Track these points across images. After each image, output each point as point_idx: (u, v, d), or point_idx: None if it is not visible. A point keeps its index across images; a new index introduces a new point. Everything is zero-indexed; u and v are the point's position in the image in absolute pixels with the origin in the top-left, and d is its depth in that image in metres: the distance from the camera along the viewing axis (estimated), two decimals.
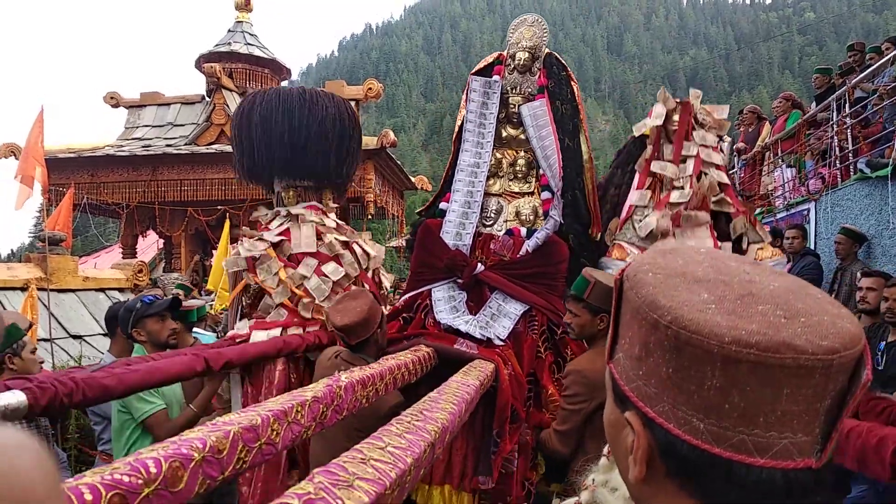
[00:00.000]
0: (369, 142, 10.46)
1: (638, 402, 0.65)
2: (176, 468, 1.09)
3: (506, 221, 3.49)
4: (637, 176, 3.54)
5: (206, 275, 10.07)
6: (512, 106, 3.54)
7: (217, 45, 11.64)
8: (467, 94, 3.62)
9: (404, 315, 3.40)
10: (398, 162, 11.51)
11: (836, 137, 7.50)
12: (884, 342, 3.77)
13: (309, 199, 3.78)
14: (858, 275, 5.10)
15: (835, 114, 7.57)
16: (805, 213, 7.90)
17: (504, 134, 3.60)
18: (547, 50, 3.61)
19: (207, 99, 11.11)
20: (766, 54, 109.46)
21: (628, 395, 0.66)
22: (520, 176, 3.54)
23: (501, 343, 3.11)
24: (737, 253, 3.12)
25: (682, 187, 3.34)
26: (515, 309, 3.24)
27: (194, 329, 5.15)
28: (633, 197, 3.48)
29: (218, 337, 5.55)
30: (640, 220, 3.37)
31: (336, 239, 3.62)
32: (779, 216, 8.49)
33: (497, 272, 3.32)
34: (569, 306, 2.77)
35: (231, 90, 11.02)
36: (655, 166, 3.40)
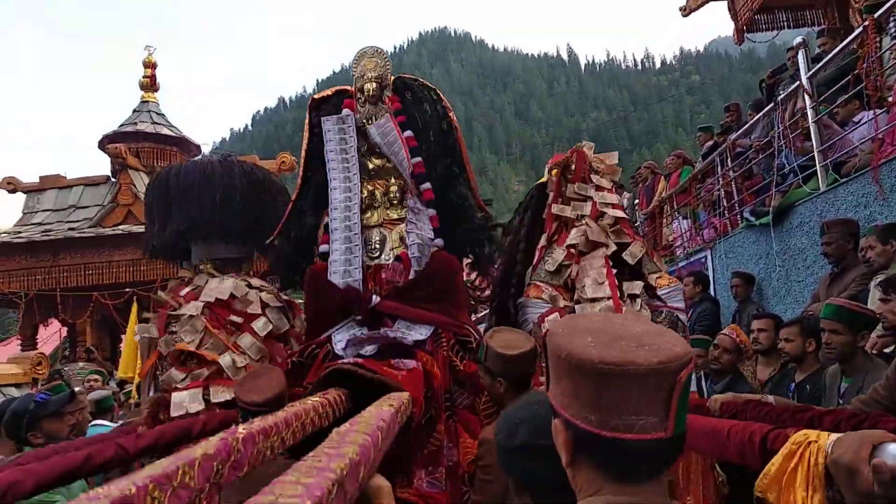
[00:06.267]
0: (268, 165, 10.72)
1: (560, 410, 1.03)
2: None
3: (392, 249, 3.44)
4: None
5: (106, 361, 9.63)
6: (371, 136, 3.56)
7: (122, 125, 11.42)
8: (311, 130, 3.66)
9: (299, 360, 3.21)
10: None
11: (722, 189, 8.13)
12: (793, 383, 3.80)
13: (228, 273, 3.74)
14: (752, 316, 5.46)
15: (719, 168, 8.23)
16: (703, 260, 8.41)
17: (371, 166, 3.61)
18: (392, 77, 3.69)
19: (113, 179, 10.80)
20: (661, 114, 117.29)
21: (555, 408, 1.05)
22: (395, 203, 3.54)
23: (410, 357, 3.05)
24: (638, 280, 3.38)
25: (582, 225, 3.51)
26: (420, 333, 3.15)
27: (98, 421, 4.86)
28: (543, 239, 3.64)
29: None
30: (548, 259, 3.50)
31: (259, 296, 3.60)
32: (680, 265, 8.98)
33: (393, 300, 3.22)
34: (479, 370, 2.81)
35: (138, 170, 10.75)
36: (555, 209, 3.58)
